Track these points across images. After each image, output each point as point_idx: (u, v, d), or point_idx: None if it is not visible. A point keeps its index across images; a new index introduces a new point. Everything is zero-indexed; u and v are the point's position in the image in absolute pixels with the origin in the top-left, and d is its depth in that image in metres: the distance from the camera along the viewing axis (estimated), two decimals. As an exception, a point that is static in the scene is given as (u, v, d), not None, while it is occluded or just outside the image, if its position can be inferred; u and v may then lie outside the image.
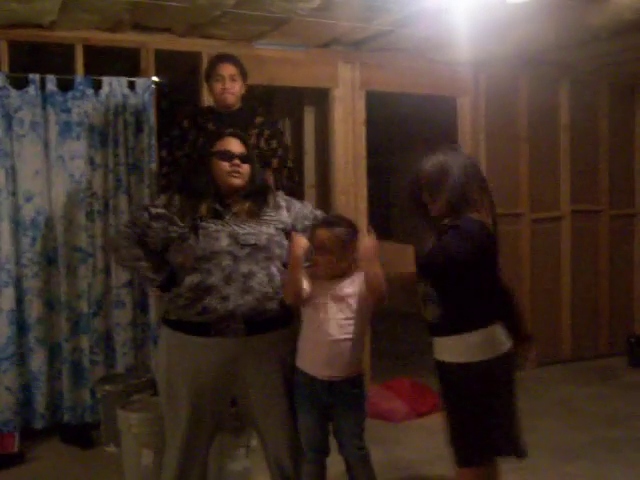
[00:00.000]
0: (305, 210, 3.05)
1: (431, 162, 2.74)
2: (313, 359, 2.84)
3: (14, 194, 4.21)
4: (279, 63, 4.89)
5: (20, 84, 4.21)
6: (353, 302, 2.82)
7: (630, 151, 6.29)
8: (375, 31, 4.64)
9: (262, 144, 4.04)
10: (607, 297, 6.20)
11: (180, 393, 2.83)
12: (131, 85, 4.43)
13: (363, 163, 5.16)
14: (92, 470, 3.93)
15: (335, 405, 2.85)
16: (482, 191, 2.73)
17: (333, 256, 2.79)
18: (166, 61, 4.66)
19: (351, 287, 2.83)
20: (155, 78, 4.52)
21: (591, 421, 4.58)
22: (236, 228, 2.80)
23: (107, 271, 4.39)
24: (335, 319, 2.80)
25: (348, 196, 5.13)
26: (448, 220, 2.69)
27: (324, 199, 5.45)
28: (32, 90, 4.21)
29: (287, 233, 2.91)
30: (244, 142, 2.95)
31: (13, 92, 4.18)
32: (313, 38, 4.78)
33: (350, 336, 2.81)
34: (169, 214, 2.83)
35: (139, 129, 4.42)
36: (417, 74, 5.31)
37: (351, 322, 2.81)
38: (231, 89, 3.95)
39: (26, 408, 4.26)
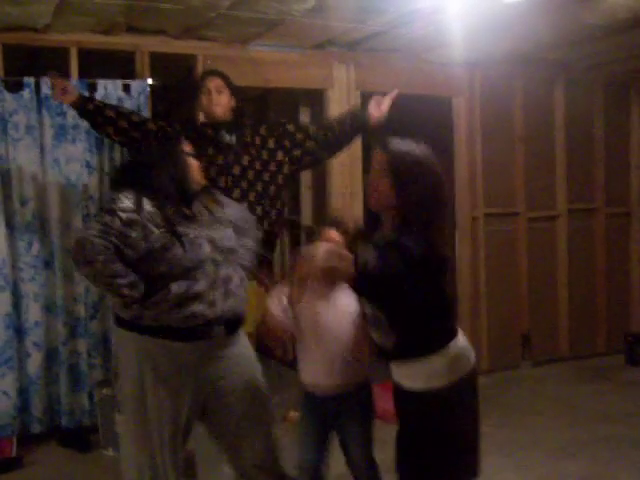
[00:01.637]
0: (244, 214, 3.12)
1: (411, 149, 2.37)
2: (316, 371, 2.78)
3: (10, 198, 4.20)
4: (274, 64, 4.89)
5: (15, 88, 4.20)
6: (350, 310, 2.75)
7: (625, 149, 6.30)
8: (370, 32, 4.64)
9: (264, 156, 3.81)
10: (604, 295, 6.21)
11: (155, 398, 2.78)
12: (126, 88, 4.43)
13: (359, 164, 5.15)
14: (90, 474, 3.92)
15: (340, 418, 2.78)
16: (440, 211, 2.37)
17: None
18: (161, 63, 4.66)
19: (349, 295, 2.71)
20: (150, 81, 4.51)
21: (589, 419, 4.58)
22: (211, 232, 2.82)
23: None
24: (336, 329, 2.75)
25: (344, 198, 5.12)
26: (392, 230, 2.34)
27: (320, 201, 5.45)
28: (27, 94, 4.20)
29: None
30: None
31: (8, 96, 4.17)
32: (308, 39, 4.78)
33: (352, 345, 2.75)
34: (142, 220, 2.69)
35: (134, 132, 4.41)
36: (412, 74, 5.31)
37: (350, 331, 2.75)
38: (218, 101, 3.80)
39: (24, 412, 4.25)
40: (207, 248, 2.77)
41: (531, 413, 4.73)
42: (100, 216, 2.75)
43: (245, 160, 3.72)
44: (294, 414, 4.46)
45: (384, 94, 3.88)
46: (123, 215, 2.66)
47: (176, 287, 2.71)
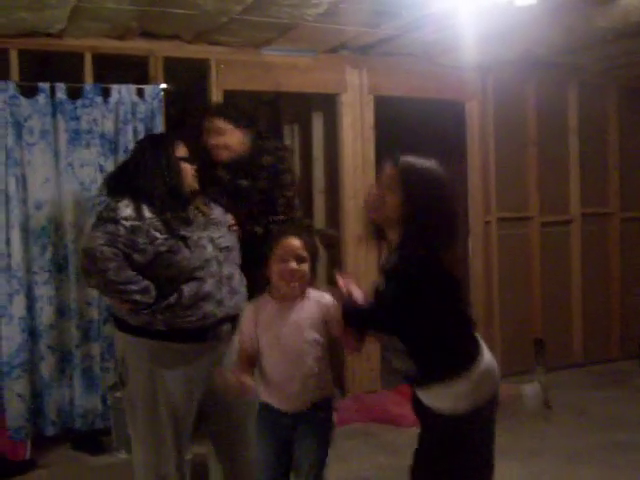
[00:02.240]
0: (225, 217, 3.13)
1: (426, 166, 2.29)
2: (275, 388, 2.64)
3: (25, 202, 4.22)
4: (287, 69, 4.90)
5: (30, 93, 4.23)
6: (314, 324, 2.60)
7: (640, 153, 6.27)
8: (383, 36, 4.64)
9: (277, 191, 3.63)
10: (618, 300, 6.17)
11: (168, 402, 2.83)
12: (140, 92, 4.45)
13: (372, 167, 5.16)
14: (103, 477, 3.95)
15: (298, 433, 2.64)
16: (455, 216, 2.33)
17: (309, 266, 2.59)
18: (174, 68, 4.68)
19: (309, 307, 2.62)
20: (164, 85, 4.53)
21: (602, 425, 4.56)
22: (211, 233, 2.90)
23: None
24: (295, 345, 2.59)
25: (357, 201, 5.12)
26: (400, 252, 2.26)
27: (333, 204, 5.46)
28: (42, 98, 4.23)
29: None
30: (187, 145, 3.03)
31: (23, 101, 4.20)
32: (320, 44, 4.79)
33: (314, 362, 2.60)
34: (145, 226, 2.74)
35: (148, 136, 4.44)
36: (425, 78, 5.31)
37: (313, 346, 2.60)
38: (220, 144, 3.57)
39: (37, 415, 4.26)
40: (210, 248, 2.84)
41: (544, 418, 4.71)
42: (103, 226, 2.74)
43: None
44: None
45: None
46: (127, 223, 2.71)
47: (187, 289, 2.76)
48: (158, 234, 2.75)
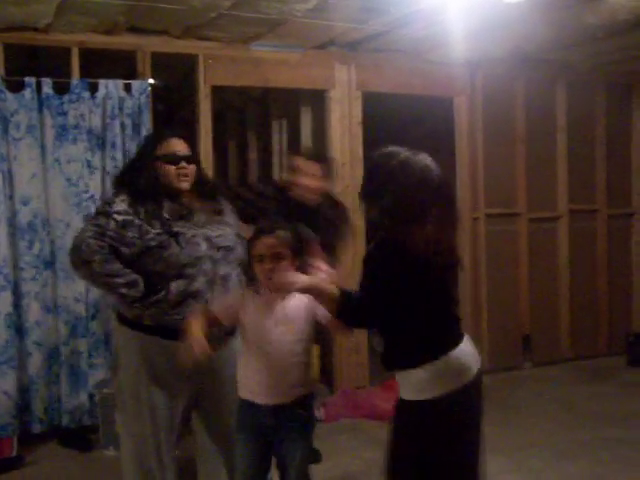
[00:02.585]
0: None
1: (380, 154, 2.38)
2: (257, 385, 2.60)
3: (11, 198, 4.20)
4: (275, 65, 4.89)
5: (16, 87, 4.20)
6: (299, 321, 2.59)
7: (627, 150, 6.29)
8: (371, 32, 4.64)
9: None
10: (605, 296, 6.20)
11: (149, 396, 2.84)
12: (127, 88, 4.43)
13: (360, 163, 5.15)
14: (91, 473, 3.92)
15: (279, 431, 2.60)
16: (434, 205, 2.29)
17: (287, 262, 2.52)
18: (162, 63, 4.66)
19: (296, 304, 2.59)
20: (151, 80, 4.51)
21: (590, 420, 4.58)
22: (208, 231, 2.84)
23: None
24: (280, 342, 2.56)
25: (345, 197, 5.11)
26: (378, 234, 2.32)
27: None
28: (28, 93, 4.20)
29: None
30: (188, 142, 2.94)
31: (9, 95, 4.17)
32: (309, 39, 4.78)
33: (297, 359, 2.59)
34: (137, 221, 2.75)
35: (136, 131, 4.42)
36: (413, 74, 5.31)
37: (297, 343, 2.59)
38: (309, 186, 3.56)
39: (24, 412, 4.25)
40: (204, 246, 2.80)
41: (531, 414, 4.72)
42: (95, 219, 2.80)
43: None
44: None
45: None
46: (118, 217, 2.73)
47: (175, 286, 2.75)
48: (151, 229, 2.75)
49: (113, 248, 2.73)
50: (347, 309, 2.28)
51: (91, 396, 4.31)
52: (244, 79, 4.85)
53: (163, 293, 2.76)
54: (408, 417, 2.34)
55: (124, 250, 2.74)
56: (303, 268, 2.54)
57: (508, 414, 4.69)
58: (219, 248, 2.84)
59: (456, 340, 2.34)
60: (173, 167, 2.84)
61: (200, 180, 2.94)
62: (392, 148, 2.38)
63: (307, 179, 3.55)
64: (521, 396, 5.15)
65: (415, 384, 2.29)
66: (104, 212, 2.78)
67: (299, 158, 3.67)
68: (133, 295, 2.74)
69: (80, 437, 4.29)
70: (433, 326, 2.31)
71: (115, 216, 2.74)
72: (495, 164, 5.66)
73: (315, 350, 3.43)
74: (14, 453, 4.06)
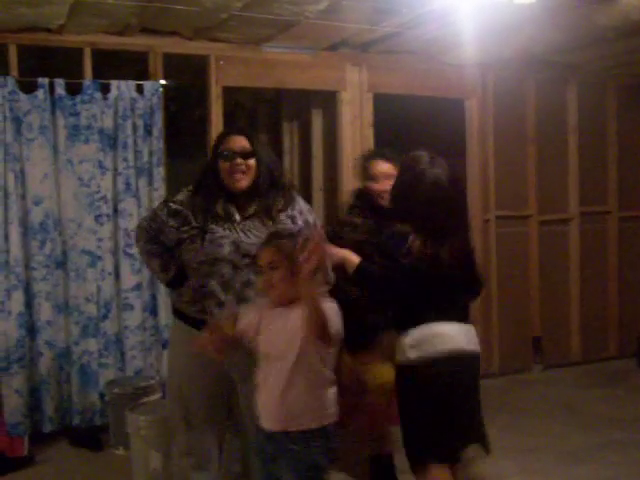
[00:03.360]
0: (310, 219, 3.01)
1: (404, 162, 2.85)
2: (263, 404, 2.49)
3: (23, 197, 4.22)
4: (287, 66, 4.89)
5: (29, 88, 4.22)
6: (298, 335, 2.40)
7: (638, 152, 6.26)
8: (383, 33, 4.64)
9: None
10: (616, 299, 6.17)
11: (180, 375, 2.96)
12: (139, 88, 4.44)
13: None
14: (101, 473, 3.93)
15: (277, 460, 2.46)
16: (451, 216, 2.73)
17: (283, 273, 2.43)
18: (174, 64, 4.67)
19: (297, 318, 2.40)
20: (163, 81, 4.53)
21: (600, 423, 4.56)
22: (242, 236, 2.80)
23: (116, 274, 4.39)
24: (278, 358, 2.43)
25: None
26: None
27: (332, 202, 5.45)
28: (41, 94, 4.23)
29: None
30: (249, 137, 2.92)
31: (22, 96, 4.19)
32: (321, 41, 4.78)
33: (301, 383, 2.40)
34: (185, 212, 2.85)
35: (147, 132, 4.43)
36: (425, 76, 5.30)
37: (300, 365, 2.39)
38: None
39: (35, 411, 4.26)
40: (227, 249, 2.79)
41: (541, 417, 4.71)
42: (159, 205, 3.06)
43: None
44: None
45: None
46: (172, 206, 2.91)
47: (193, 281, 2.84)
48: (192, 221, 2.83)
49: (157, 234, 2.93)
50: (369, 279, 2.78)
51: (102, 396, 4.33)
52: (255, 80, 4.86)
53: (187, 284, 2.86)
54: (397, 378, 2.81)
55: (164, 238, 2.92)
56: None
57: (516, 416, 4.68)
58: (246, 255, 2.77)
59: (441, 318, 2.73)
60: (228, 163, 2.84)
61: (262, 175, 2.87)
62: (415, 155, 2.76)
63: (388, 182, 3.33)
64: (530, 399, 5.13)
65: (401, 347, 2.74)
66: (165, 200, 3.08)
67: (375, 163, 3.50)
68: (163, 278, 2.98)
69: (90, 437, 4.30)
70: (425, 305, 2.74)
71: (170, 204, 2.92)
72: (506, 166, 5.65)
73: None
74: (25, 452, 4.08)
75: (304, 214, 2.98)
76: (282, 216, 2.88)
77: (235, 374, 2.89)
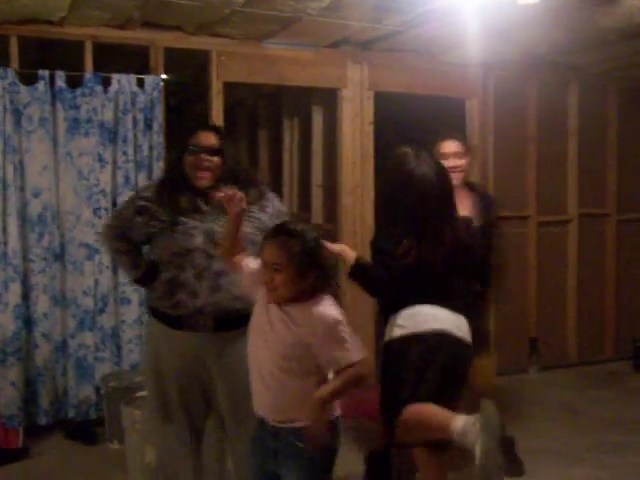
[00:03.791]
0: (282, 209, 3.03)
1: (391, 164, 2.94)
2: (259, 398, 2.37)
3: (22, 189, 4.22)
4: (288, 62, 4.89)
5: (29, 80, 4.22)
6: (300, 335, 2.25)
7: (638, 155, 6.26)
8: (384, 31, 4.63)
9: None
10: (613, 301, 6.18)
11: (151, 375, 2.94)
12: (140, 82, 4.44)
13: (370, 163, 5.15)
14: (96, 466, 3.93)
15: (280, 461, 2.34)
16: (442, 213, 2.87)
17: (286, 276, 2.24)
18: (175, 59, 4.67)
19: (302, 317, 2.26)
20: (164, 76, 4.52)
21: (596, 425, 4.57)
22: (214, 226, 2.79)
23: (114, 268, 4.38)
24: (274, 350, 2.28)
25: (355, 196, 5.12)
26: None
27: (331, 198, 5.45)
28: (41, 86, 4.22)
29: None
30: (219, 135, 2.91)
31: (22, 88, 4.18)
32: (322, 38, 4.78)
33: (292, 381, 2.28)
34: (153, 207, 2.83)
35: (147, 126, 4.43)
36: (426, 75, 5.30)
37: (294, 359, 2.26)
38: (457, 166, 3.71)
39: (31, 404, 4.26)
40: (199, 239, 2.79)
41: (536, 418, 4.71)
42: (123, 203, 3.10)
43: None
44: None
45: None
46: (139, 202, 2.89)
47: (165, 274, 2.81)
48: (160, 216, 2.81)
49: (124, 231, 2.91)
50: (364, 276, 2.92)
51: (97, 389, 4.33)
52: (256, 76, 4.86)
53: (159, 279, 2.83)
54: (385, 355, 2.94)
55: (132, 234, 2.91)
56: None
57: (512, 418, 4.67)
58: (218, 243, 2.77)
59: (430, 302, 2.86)
60: (193, 157, 2.83)
61: (226, 173, 2.86)
62: (400, 153, 2.87)
63: (453, 160, 3.67)
64: (526, 400, 5.13)
65: (389, 327, 2.91)
66: (131, 196, 3.08)
67: (445, 143, 3.76)
68: (133, 275, 3.01)
69: (85, 430, 4.30)
70: (418, 298, 2.88)
71: (137, 201, 2.92)
72: (506, 166, 5.65)
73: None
74: (20, 444, 4.07)
75: (275, 204, 2.98)
76: (252, 208, 2.83)
77: (214, 372, 2.86)
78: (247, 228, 2.73)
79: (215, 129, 2.98)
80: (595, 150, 6.05)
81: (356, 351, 2.26)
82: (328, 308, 2.27)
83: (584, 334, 6.03)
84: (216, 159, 2.84)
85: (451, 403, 2.81)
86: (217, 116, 4.68)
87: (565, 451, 4.11)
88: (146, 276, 2.92)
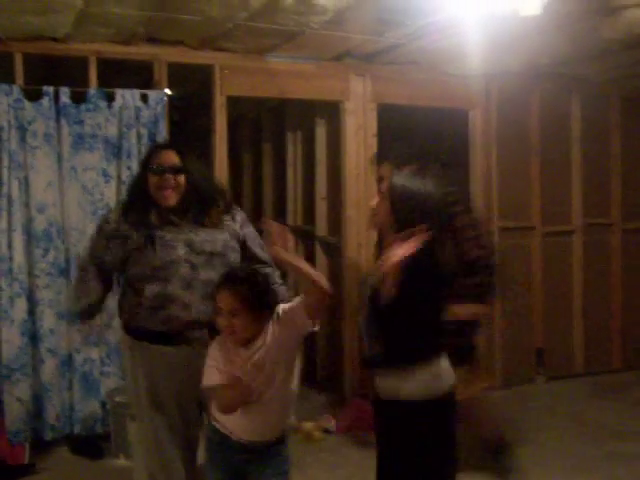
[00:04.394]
0: (244, 216, 3.06)
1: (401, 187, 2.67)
2: (231, 420, 2.49)
3: (27, 205, 4.23)
4: (291, 76, 4.91)
5: (34, 96, 4.24)
6: (268, 362, 2.41)
7: (642, 164, 6.26)
8: (387, 44, 4.65)
9: None
10: (620, 311, 6.15)
11: (146, 401, 2.85)
12: (144, 97, 4.45)
13: (374, 176, 5.15)
14: (102, 482, 3.93)
15: (253, 465, 2.50)
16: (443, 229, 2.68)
17: (244, 320, 2.38)
18: (178, 74, 4.69)
19: (266, 347, 2.42)
20: (168, 91, 4.54)
21: (603, 435, 4.54)
22: (192, 235, 2.81)
23: (118, 283, 4.38)
24: (257, 391, 2.42)
25: (359, 208, 5.13)
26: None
27: (335, 211, 5.46)
28: (46, 102, 4.24)
29: (240, 241, 2.94)
30: (180, 153, 2.89)
31: (27, 104, 4.20)
32: (325, 51, 4.80)
33: (270, 402, 2.44)
34: (124, 228, 2.83)
35: (152, 141, 4.43)
36: (429, 87, 5.32)
37: (272, 388, 2.43)
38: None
39: (37, 419, 4.26)
40: (181, 250, 2.79)
41: (544, 429, 4.69)
42: (94, 234, 3.03)
43: None
44: (319, 434, 4.45)
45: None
46: (107, 228, 2.91)
47: (149, 289, 2.78)
48: (135, 234, 2.81)
49: (100, 258, 2.91)
50: None
51: (103, 404, 4.32)
52: (259, 90, 4.87)
53: (137, 297, 2.80)
54: (399, 414, 2.52)
55: (108, 259, 2.90)
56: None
57: (520, 429, 4.66)
58: (201, 253, 2.80)
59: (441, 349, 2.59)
60: (156, 178, 2.83)
61: (192, 190, 2.86)
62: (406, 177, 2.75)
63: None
64: (533, 411, 5.11)
65: (414, 383, 2.48)
66: (99, 225, 3.01)
67: (383, 167, 3.60)
68: (79, 304, 2.97)
69: (92, 445, 4.29)
70: (432, 331, 2.57)
71: (105, 227, 2.92)
72: (509, 177, 5.65)
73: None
74: (26, 460, 4.07)
75: (240, 213, 3.04)
76: (226, 217, 2.93)
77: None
78: (225, 235, 2.86)
79: (176, 147, 2.93)
80: (599, 160, 6.05)
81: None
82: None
83: (591, 344, 6.01)
84: (180, 178, 2.84)
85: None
86: (221, 130, 4.70)
87: (574, 462, 4.09)
88: (88, 310, 2.96)
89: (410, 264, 2.34)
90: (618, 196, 6.14)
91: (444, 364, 2.57)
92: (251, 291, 2.40)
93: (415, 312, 2.45)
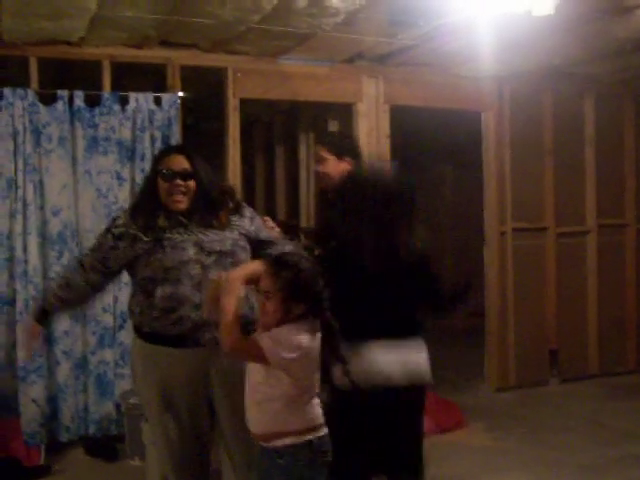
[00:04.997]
0: (254, 212, 3.06)
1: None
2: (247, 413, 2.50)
3: (42, 208, 4.26)
4: (303, 78, 4.92)
5: (49, 100, 4.27)
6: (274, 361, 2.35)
7: (656, 164, 6.23)
8: (399, 46, 4.65)
9: None
10: (634, 312, 6.12)
11: (158, 404, 2.85)
12: (157, 100, 4.48)
13: (387, 177, 5.15)
14: (117, 483, 3.94)
15: (269, 475, 2.46)
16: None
17: (274, 305, 2.35)
18: (192, 76, 4.71)
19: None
20: (181, 93, 4.56)
21: (618, 437, 4.52)
22: (200, 236, 2.81)
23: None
24: (249, 380, 2.45)
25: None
26: None
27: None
28: (60, 106, 4.27)
29: (250, 239, 2.93)
30: (189, 157, 2.87)
31: (42, 108, 4.24)
32: (337, 53, 4.80)
33: (264, 400, 2.40)
34: (132, 232, 2.82)
35: (165, 144, 4.45)
36: (441, 88, 5.31)
37: (264, 385, 2.39)
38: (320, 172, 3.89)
39: (52, 421, 4.28)
40: (191, 250, 2.79)
41: (558, 430, 4.67)
42: (100, 236, 2.98)
43: None
44: None
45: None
46: (115, 231, 2.87)
47: (160, 291, 2.78)
48: (143, 237, 2.80)
49: (103, 260, 2.89)
50: None
51: (118, 406, 4.34)
52: (272, 92, 4.89)
53: (149, 300, 2.79)
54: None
55: (111, 263, 2.89)
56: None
57: (534, 430, 4.64)
58: (211, 253, 2.80)
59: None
60: (167, 184, 2.82)
61: (201, 195, 2.86)
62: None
63: (316, 165, 3.75)
64: (547, 412, 5.10)
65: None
66: (106, 227, 2.97)
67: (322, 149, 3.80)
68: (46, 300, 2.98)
69: (106, 446, 4.31)
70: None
71: (113, 230, 2.88)
72: (523, 178, 5.63)
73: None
74: (41, 461, 4.10)
75: (249, 209, 3.04)
76: (233, 218, 2.92)
77: (217, 387, 2.85)
78: (234, 234, 2.86)
79: (186, 151, 2.92)
80: (612, 160, 6.02)
81: (268, 345, 2.32)
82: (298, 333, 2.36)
83: (605, 345, 5.98)
84: (191, 183, 2.84)
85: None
86: (234, 132, 4.72)
87: (588, 463, 4.07)
88: (46, 312, 2.97)
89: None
90: (632, 196, 6.11)
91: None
92: (287, 279, 2.33)
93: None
